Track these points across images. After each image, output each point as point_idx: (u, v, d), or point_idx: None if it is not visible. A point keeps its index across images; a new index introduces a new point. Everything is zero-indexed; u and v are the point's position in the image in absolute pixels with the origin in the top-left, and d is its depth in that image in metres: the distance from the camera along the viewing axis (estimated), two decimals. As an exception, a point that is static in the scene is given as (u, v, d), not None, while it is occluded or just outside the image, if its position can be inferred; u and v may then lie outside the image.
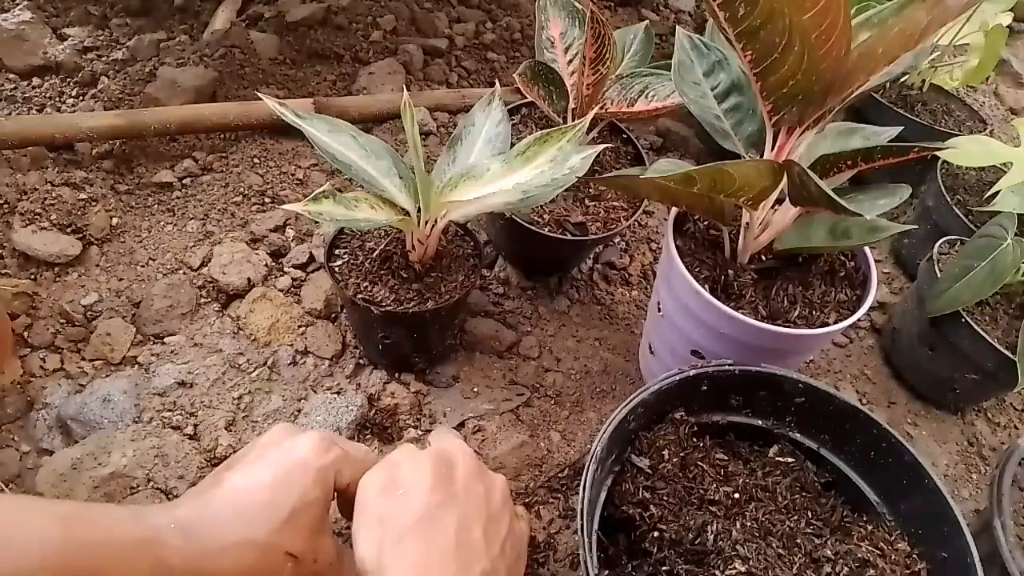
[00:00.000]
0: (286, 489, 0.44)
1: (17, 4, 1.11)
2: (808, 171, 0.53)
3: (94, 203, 0.88)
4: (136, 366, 0.76)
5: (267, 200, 0.96)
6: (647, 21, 0.94)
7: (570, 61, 0.86)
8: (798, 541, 0.55)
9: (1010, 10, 1.10)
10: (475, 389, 0.81)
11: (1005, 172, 0.86)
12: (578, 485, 0.51)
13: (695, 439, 0.61)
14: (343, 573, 0.49)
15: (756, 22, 0.50)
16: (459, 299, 0.72)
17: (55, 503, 0.42)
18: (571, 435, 0.79)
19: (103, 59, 1.10)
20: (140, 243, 0.88)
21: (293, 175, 0.99)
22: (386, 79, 1.16)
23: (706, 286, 0.66)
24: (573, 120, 0.82)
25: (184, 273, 0.85)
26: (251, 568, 0.42)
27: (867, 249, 0.71)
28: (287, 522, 0.43)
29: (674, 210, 0.71)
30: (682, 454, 0.59)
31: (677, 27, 0.72)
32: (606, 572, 0.53)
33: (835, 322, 0.66)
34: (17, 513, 0.36)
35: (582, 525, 0.49)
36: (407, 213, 0.67)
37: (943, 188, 1.02)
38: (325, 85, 1.16)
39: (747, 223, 0.67)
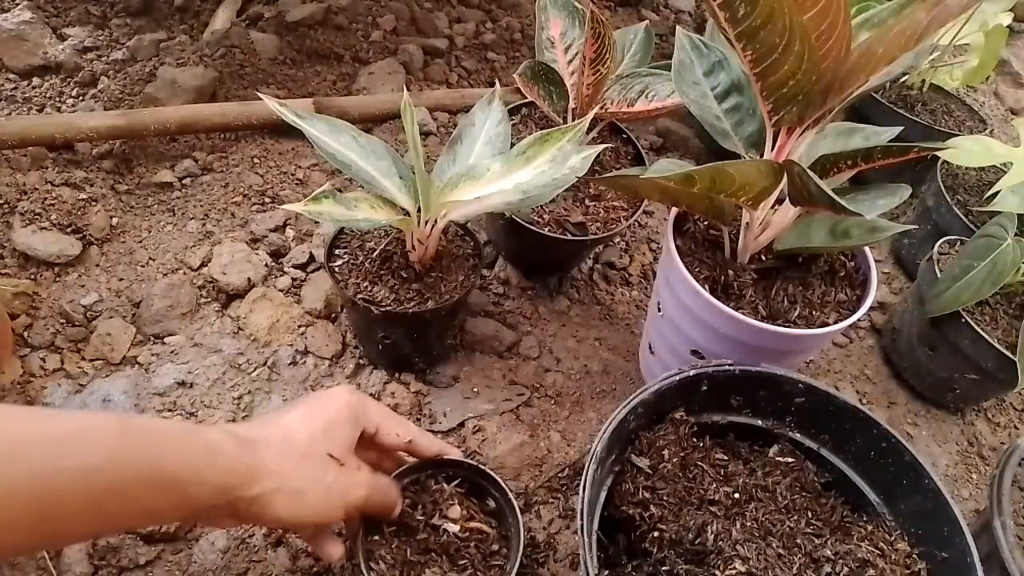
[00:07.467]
0: (321, 410, 0.52)
1: (17, 4, 1.11)
2: (808, 171, 0.53)
3: (94, 203, 0.88)
4: (136, 366, 0.76)
5: (267, 200, 0.96)
6: (647, 21, 0.94)
7: (570, 61, 0.86)
8: (798, 541, 0.54)
9: (1010, 10, 1.10)
10: (475, 389, 0.81)
11: (1005, 172, 0.86)
12: (578, 485, 0.51)
13: (695, 439, 0.61)
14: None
15: (756, 22, 0.50)
16: (459, 299, 0.72)
17: (105, 413, 0.50)
18: (571, 435, 0.79)
19: (103, 59, 1.10)
20: (140, 243, 0.88)
21: (293, 175, 0.99)
22: (386, 79, 1.16)
23: (706, 286, 0.66)
24: (573, 120, 0.82)
25: (184, 273, 0.85)
26: (297, 459, 0.48)
27: (867, 249, 0.71)
28: (324, 432, 0.51)
29: (674, 210, 0.71)
30: (682, 454, 0.59)
31: (677, 27, 0.72)
32: (606, 572, 0.53)
33: (835, 322, 0.66)
34: (75, 419, 0.40)
35: (582, 525, 0.49)
36: (407, 213, 0.67)
37: (943, 188, 1.02)
38: (325, 85, 1.16)
39: (747, 223, 0.67)
